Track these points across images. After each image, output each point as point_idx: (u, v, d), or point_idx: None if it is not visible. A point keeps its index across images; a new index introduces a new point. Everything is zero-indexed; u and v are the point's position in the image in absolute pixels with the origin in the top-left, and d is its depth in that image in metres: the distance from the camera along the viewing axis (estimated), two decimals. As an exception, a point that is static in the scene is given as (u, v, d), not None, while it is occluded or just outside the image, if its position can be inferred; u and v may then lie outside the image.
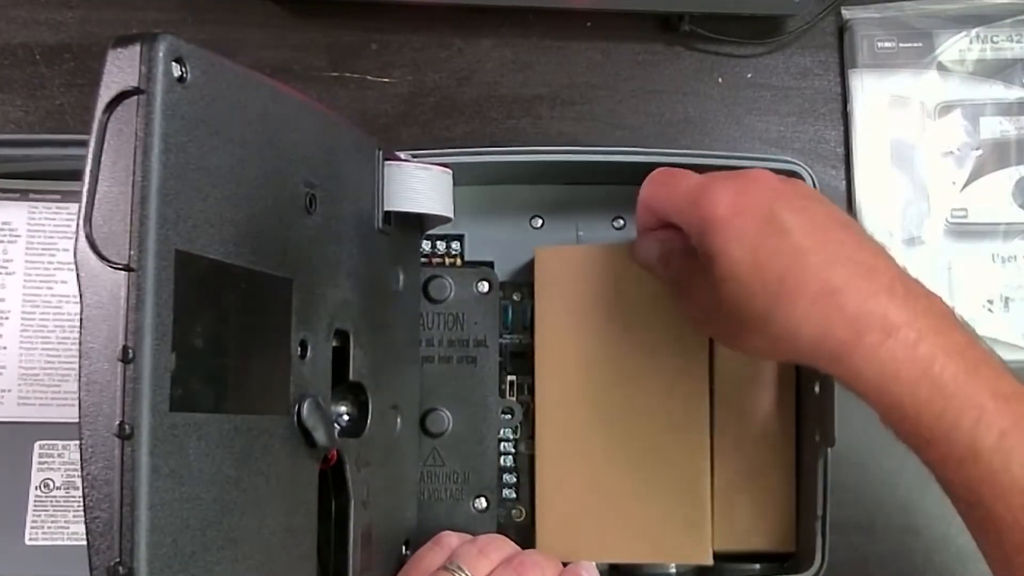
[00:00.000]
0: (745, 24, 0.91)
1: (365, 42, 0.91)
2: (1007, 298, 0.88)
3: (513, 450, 0.82)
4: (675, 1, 0.88)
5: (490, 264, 0.84)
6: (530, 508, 0.81)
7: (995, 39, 0.90)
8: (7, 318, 0.82)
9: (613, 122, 0.91)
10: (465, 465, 0.81)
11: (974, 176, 0.89)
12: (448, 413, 0.81)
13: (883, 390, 0.62)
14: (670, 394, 0.78)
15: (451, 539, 0.74)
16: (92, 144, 0.50)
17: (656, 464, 0.78)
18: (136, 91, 0.50)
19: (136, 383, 0.48)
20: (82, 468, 0.48)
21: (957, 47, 0.90)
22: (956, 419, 0.60)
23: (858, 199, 0.89)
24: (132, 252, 0.49)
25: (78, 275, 0.49)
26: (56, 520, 0.81)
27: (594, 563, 0.76)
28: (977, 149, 0.89)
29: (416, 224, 0.79)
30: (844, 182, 0.90)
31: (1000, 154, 0.89)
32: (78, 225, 0.49)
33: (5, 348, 0.81)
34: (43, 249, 0.82)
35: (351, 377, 0.70)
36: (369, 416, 0.71)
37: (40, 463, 0.81)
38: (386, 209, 0.74)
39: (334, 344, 0.68)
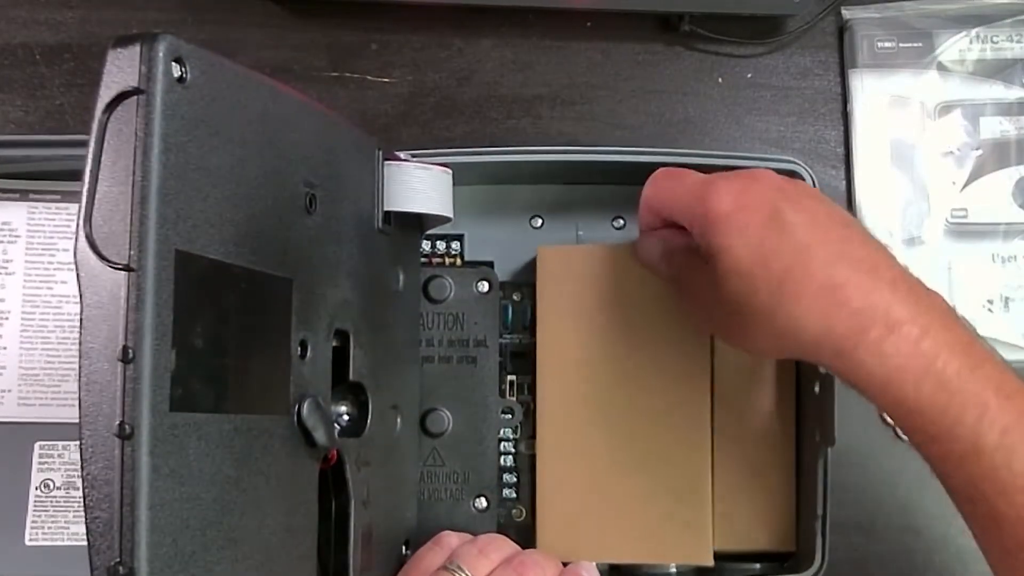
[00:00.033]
0: (745, 24, 0.91)
1: (365, 42, 0.91)
2: (1007, 298, 0.88)
3: (513, 450, 0.82)
4: (675, 1, 0.88)
5: (490, 264, 0.84)
6: (530, 508, 0.81)
7: (995, 39, 0.90)
8: (7, 318, 0.82)
9: (613, 122, 0.91)
10: (465, 465, 0.81)
11: (974, 176, 0.89)
12: (448, 413, 0.81)
13: (886, 385, 0.62)
14: (671, 394, 0.78)
15: (451, 539, 0.74)
16: (92, 144, 0.50)
17: (657, 464, 0.78)
18: (136, 91, 0.50)
19: (136, 383, 0.48)
20: (82, 468, 0.48)
21: (957, 47, 0.90)
22: (959, 415, 0.60)
23: (858, 199, 0.89)
24: (132, 252, 0.49)
25: (78, 275, 0.49)
26: (56, 520, 0.81)
27: (594, 563, 0.76)
28: (977, 149, 0.89)
29: (416, 224, 0.79)
30: (844, 182, 0.90)
31: (1000, 154, 0.89)
32: (78, 225, 0.49)
33: (5, 348, 0.82)
34: (43, 249, 0.82)
35: (351, 377, 0.70)
36: (369, 416, 0.71)
37: (40, 463, 0.81)
38: (386, 209, 0.74)
39: (334, 344, 0.68)
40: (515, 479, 0.82)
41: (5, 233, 0.82)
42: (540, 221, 0.85)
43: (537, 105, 0.91)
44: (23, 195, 0.82)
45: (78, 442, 0.48)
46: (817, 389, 0.77)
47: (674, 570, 0.79)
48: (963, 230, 0.89)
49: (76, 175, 0.50)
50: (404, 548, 0.77)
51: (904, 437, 0.84)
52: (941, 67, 0.90)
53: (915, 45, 0.90)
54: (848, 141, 0.91)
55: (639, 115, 0.91)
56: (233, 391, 0.56)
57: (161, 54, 0.50)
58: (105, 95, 0.50)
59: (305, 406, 0.62)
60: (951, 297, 0.87)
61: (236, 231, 0.56)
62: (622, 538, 0.78)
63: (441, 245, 0.84)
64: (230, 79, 0.57)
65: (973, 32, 0.90)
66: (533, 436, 0.80)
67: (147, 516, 0.48)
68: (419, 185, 0.75)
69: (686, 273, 0.72)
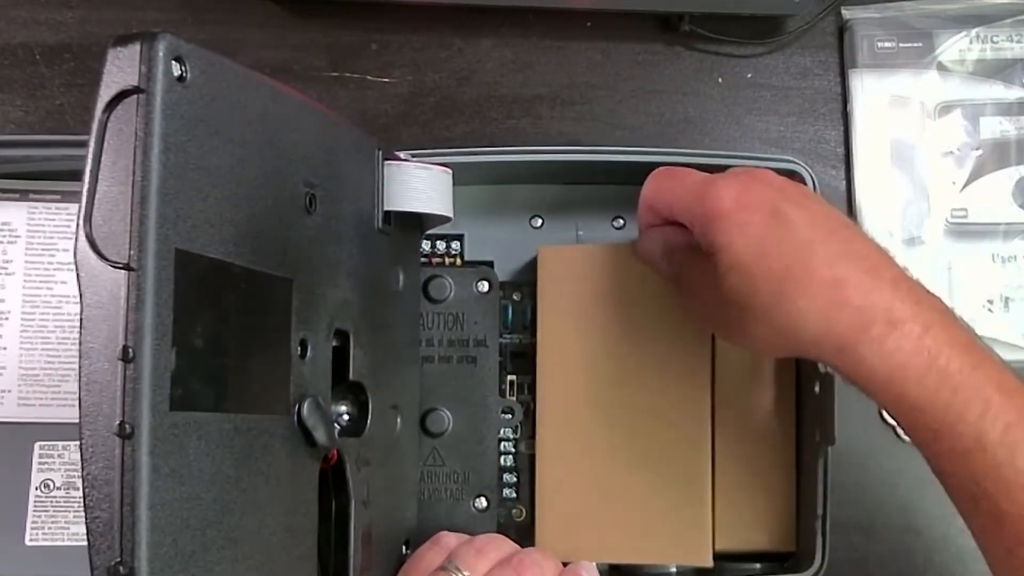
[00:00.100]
0: (745, 24, 0.91)
1: (365, 42, 0.91)
2: (1007, 298, 0.88)
3: (513, 450, 0.82)
4: (675, 1, 0.88)
5: (490, 264, 0.84)
6: (530, 508, 0.81)
7: (995, 39, 0.90)
8: (7, 318, 0.82)
9: (613, 122, 0.91)
10: (465, 465, 0.81)
11: (974, 176, 0.89)
12: (448, 413, 0.81)
13: (888, 382, 0.62)
14: (672, 394, 0.78)
15: (449, 539, 0.74)
16: (92, 143, 0.50)
17: (657, 464, 0.77)
18: (136, 90, 0.50)
19: (136, 382, 0.48)
20: (82, 468, 0.48)
21: (957, 47, 0.90)
22: (962, 411, 0.60)
23: (858, 199, 0.89)
24: (132, 251, 0.49)
25: (78, 275, 0.49)
26: (56, 521, 0.81)
27: (594, 563, 0.76)
28: (977, 149, 0.89)
29: (416, 224, 0.79)
30: (844, 182, 0.90)
31: (1000, 154, 0.89)
32: (78, 224, 0.49)
33: (5, 348, 0.82)
34: (43, 249, 0.82)
35: (351, 377, 0.70)
36: (369, 416, 0.71)
37: (40, 464, 0.81)
38: (386, 209, 0.74)
39: (334, 344, 0.68)
40: (515, 479, 0.82)
41: (5, 233, 0.82)
42: (540, 221, 0.85)
43: (537, 105, 0.91)
44: (23, 195, 0.82)
45: (78, 442, 0.48)
46: (817, 389, 0.77)
47: (674, 570, 0.79)
48: (963, 230, 0.89)
49: (76, 175, 0.50)
50: (404, 548, 0.77)
51: (905, 437, 0.84)
52: (941, 67, 0.90)
53: (915, 45, 0.90)
54: (848, 141, 0.90)
55: (639, 115, 0.91)
56: (233, 390, 0.56)
57: (161, 53, 0.50)
58: (105, 94, 0.50)
59: (305, 406, 0.62)
60: (951, 297, 0.87)
61: (236, 231, 0.56)
62: (622, 538, 0.78)
63: (441, 245, 0.84)
64: (230, 79, 0.57)
65: (973, 32, 0.90)
66: (533, 436, 0.80)
67: (147, 516, 0.48)
68: (419, 185, 0.75)
69: (686, 271, 0.72)
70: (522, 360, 0.83)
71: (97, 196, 0.49)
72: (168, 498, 0.50)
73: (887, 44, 0.90)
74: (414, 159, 0.76)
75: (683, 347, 0.78)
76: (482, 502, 0.81)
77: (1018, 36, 0.90)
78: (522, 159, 0.80)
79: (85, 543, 0.48)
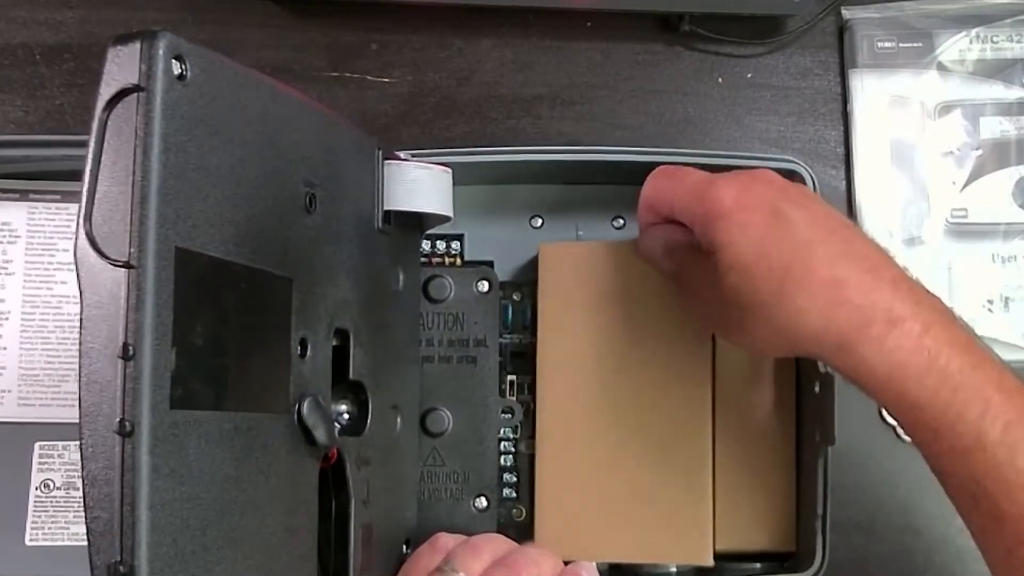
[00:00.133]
0: (745, 24, 0.91)
1: (365, 42, 0.91)
2: (1007, 298, 0.88)
3: (513, 450, 0.82)
4: (675, 1, 0.88)
5: (490, 264, 0.84)
6: (530, 508, 0.80)
7: (995, 39, 0.90)
8: (7, 318, 0.82)
9: (613, 122, 0.91)
10: (465, 465, 0.81)
11: (974, 176, 0.89)
12: (448, 413, 0.81)
13: (889, 381, 0.62)
14: (672, 393, 0.78)
15: (447, 540, 0.74)
16: (92, 142, 0.50)
17: (657, 463, 0.77)
18: (136, 88, 0.50)
19: (136, 381, 0.48)
20: (82, 467, 0.48)
21: (957, 47, 0.90)
22: (962, 411, 0.60)
23: (858, 199, 0.89)
24: (132, 249, 0.49)
25: (78, 273, 0.49)
26: (56, 521, 0.81)
27: (594, 563, 0.76)
28: (977, 149, 0.89)
29: (416, 224, 0.79)
30: (844, 182, 0.90)
31: (1000, 154, 0.89)
32: (78, 223, 0.49)
33: (5, 348, 0.82)
34: (43, 249, 0.82)
35: (351, 376, 0.70)
36: (369, 415, 0.71)
37: (40, 464, 0.81)
38: (386, 208, 0.74)
39: (334, 343, 0.68)
40: (515, 479, 0.82)
41: (5, 233, 0.82)
42: (540, 221, 0.85)
43: (537, 105, 0.91)
44: (23, 195, 0.82)
45: (78, 441, 0.48)
46: (817, 388, 0.76)
47: (674, 570, 0.79)
48: (963, 230, 0.89)
49: (76, 175, 0.50)
50: (404, 548, 0.77)
51: (905, 437, 0.85)
52: (941, 67, 0.90)
53: (915, 45, 0.90)
54: (848, 141, 0.90)
55: (639, 115, 0.91)
56: (233, 389, 0.56)
57: (161, 51, 0.50)
58: (105, 93, 0.50)
59: (305, 405, 0.62)
60: (951, 297, 0.87)
61: (236, 229, 0.56)
62: (622, 537, 0.77)
63: (441, 245, 0.84)
64: (230, 78, 0.57)
65: (973, 32, 0.90)
66: (533, 436, 0.80)
67: (147, 515, 0.48)
68: (419, 184, 0.75)
69: (687, 270, 0.72)
70: (522, 360, 0.83)
71: (97, 194, 0.49)
72: (168, 497, 0.50)
73: (887, 44, 0.90)
74: (414, 159, 0.76)
75: (684, 345, 0.78)
76: (482, 502, 0.81)
77: (1018, 36, 0.90)
78: (522, 159, 0.80)
79: (85, 543, 0.48)
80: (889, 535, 0.87)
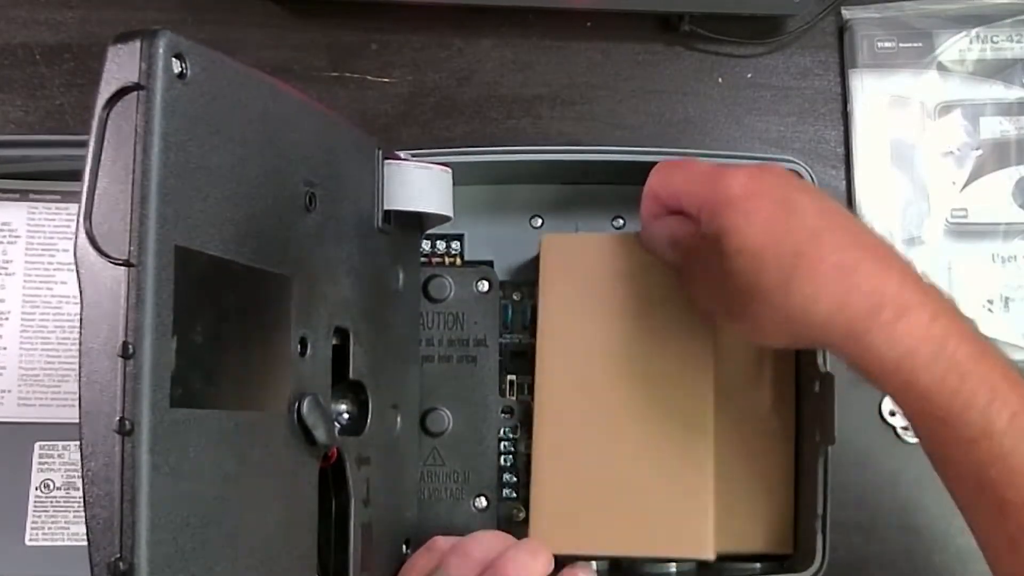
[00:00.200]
0: (745, 24, 0.91)
1: (365, 42, 0.91)
2: (1007, 298, 0.88)
3: (513, 450, 0.82)
4: (675, 1, 0.88)
5: (490, 263, 0.84)
6: (527, 502, 0.80)
7: (995, 39, 0.90)
8: (7, 318, 0.82)
9: (613, 122, 0.91)
10: (465, 464, 0.81)
11: (974, 176, 0.89)
12: (448, 412, 0.81)
13: (896, 369, 0.62)
14: (674, 386, 0.77)
15: (443, 544, 0.73)
16: (92, 140, 0.50)
17: (658, 456, 0.76)
18: (136, 87, 0.50)
19: (136, 379, 0.48)
20: (82, 465, 0.48)
21: (957, 47, 0.90)
22: (970, 398, 0.61)
23: (858, 199, 0.89)
24: (132, 248, 0.49)
25: (78, 271, 0.49)
26: (56, 521, 0.81)
27: (593, 565, 0.76)
28: (977, 149, 0.89)
29: (416, 223, 0.79)
30: (844, 182, 0.90)
31: (1000, 154, 0.89)
32: (78, 221, 0.49)
33: (5, 348, 0.82)
34: (43, 250, 0.82)
35: (351, 375, 0.70)
36: (369, 415, 0.71)
37: (40, 464, 0.81)
38: (386, 208, 0.74)
39: (334, 342, 0.68)
40: (515, 479, 0.82)
41: (5, 233, 0.82)
42: (540, 221, 0.85)
43: (537, 105, 0.91)
44: (23, 195, 0.82)
45: (78, 440, 0.48)
46: (817, 388, 0.76)
47: (674, 569, 0.79)
48: (963, 230, 0.89)
49: (76, 175, 0.50)
50: (404, 547, 0.77)
51: (905, 437, 0.85)
52: (941, 67, 0.90)
53: (915, 45, 0.90)
54: (848, 141, 0.91)
55: (639, 115, 0.91)
56: (233, 388, 0.56)
57: (161, 50, 0.50)
58: (105, 91, 0.50)
59: (305, 404, 0.62)
60: (951, 297, 0.88)
61: (236, 228, 0.56)
62: (621, 530, 0.76)
63: (441, 245, 0.84)
64: (230, 76, 0.57)
65: (973, 32, 0.90)
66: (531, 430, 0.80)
67: (147, 513, 0.48)
68: (419, 184, 0.75)
69: (692, 259, 0.72)
70: (522, 360, 0.82)
71: (97, 193, 0.49)
72: (168, 495, 0.49)
73: (887, 44, 0.90)
74: (414, 159, 0.76)
75: (686, 338, 0.77)
76: (482, 502, 0.81)
77: (1018, 36, 0.90)
78: (522, 159, 0.80)
79: (85, 543, 0.48)
80: (889, 535, 0.87)
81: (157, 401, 0.49)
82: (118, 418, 0.48)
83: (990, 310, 0.88)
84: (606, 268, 0.78)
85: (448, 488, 0.80)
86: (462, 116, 0.91)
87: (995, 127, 0.89)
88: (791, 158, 0.79)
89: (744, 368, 0.80)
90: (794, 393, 0.80)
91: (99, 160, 0.49)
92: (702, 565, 0.79)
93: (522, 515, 0.81)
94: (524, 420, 0.82)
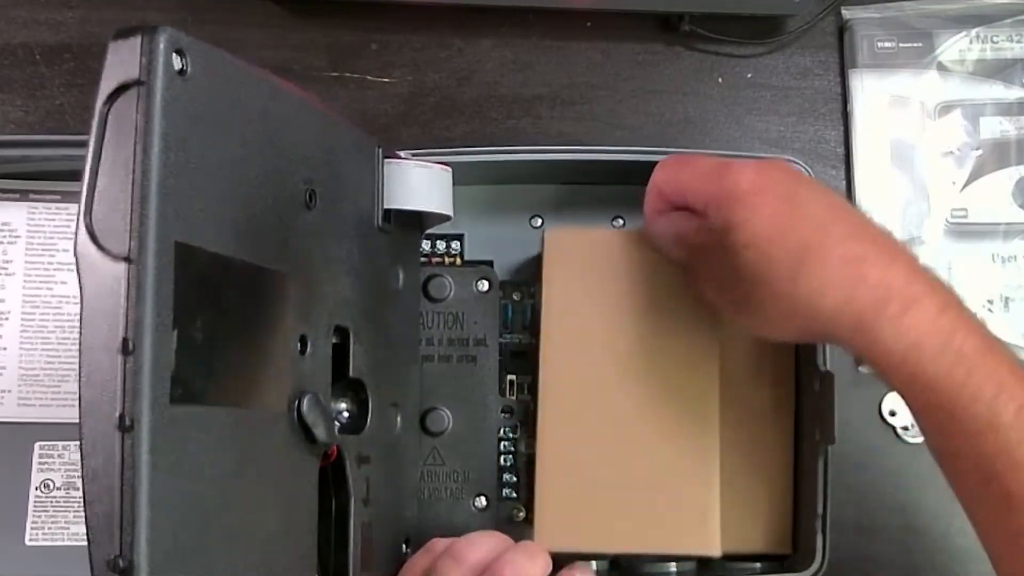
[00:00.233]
0: (745, 24, 0.91)
1: (365, 42, 0.91)
2: (1007, 298, 0.88)
3: (513, 450, 0.82)
4: (675, 1, 0.88)
5: (490, 263, 0.84)
6: (529, 504, 0.80)
7: (995, 39, 0.90)
8: (7, 318, 0.82)
9: (613, 122, 0.91)
10: (465, 464, 0.81)
11: (974, 176, 0.89)
12: (448, 412, 0.80)
13: (905, 359, 0.62)
14: (679, 383, 0.76)
15: (441, 546, 0.73)
16: (92, 136, 0.50)
17: (663, 453, 0.75)
18: (137, 83, 0.50)
19: (136, 375, 0.48)
20: (82, 462, 0.48)
21: (957, 47, 0.90)
22: (977, 392, 0.61)
23: (858, 199, 0.89)
24: (132, 243, 0.49)
25: (78, 267, 0.49)
26: (56, 521, 0.81)
27: (592, 565, 0.75)
28: (977, 149, 0.89)
29: (416, 223, 0.79)
30: (844, 182, 0.90)
31: (1000, 154, 0.89)
32: (78, 217, 0.49)
33: (5, 348, 0.82)
34: (43, 250, 0.82)
35: (351, 374, 0.70)
36: (369, 413, 0.71)
37: (40, 464, 0.81)
38: (386, 207, 0.74)
39: (334, 341, 0.68)
40: (515, 479, 0.82)
41: (5, 233, 0.82)
42: (540, 221, 0.85)
43: (537, 105, 0.91)
44: (23, 195, 0.82)
45: (78, 436, 0.48)
46: (817, 387, 0.76)
47: (674, 569, 0.79)
48: (963, 230, 0.89)
49: (76, 175, 0.50)
50: (404, 547, 0.76)
51: (906, 438, 0.85)
52: (941, 67, 0.90)
53: (915, 45, 0.90)
54: (848, 141, 0.91)
55: (639, 115, 0.91)
56: (233, 385, 0.56)
57: (162, 45, 0.51)
58: (105, 87, 0.50)
59: (305, 402, 0.62)
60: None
61: (236, 225, 0.56)
62: (626, 527, 0.76)
63: (441, 245, 0.84)
64: (231, 73, 0.57)
65: (973, 32, 0.90)
66: (533, 436, 0.79)
67: (147, 510, 0.48)
68: (419, 183, 0.75)
69: (699, 254, 0.72)
70: (522, 360, 0.83)
71: (97, 189, 0.49)
72: (168, 492, 0.49)
73: (887, 44, 0.90)
74: (414, 158, 0.76)
75: (691, 335, 0.76)
76: (481, 501, 0.81)
77: (1018, 36, 0.90)
78: (522, 159, 0.80)
79: (85, 543, 0.48)
80: (889, 535, 0.87)
81: (157, 398, 0.49)
82: (118, 415, 0.48)
83: (990, 310, 0.88)
84: (609, 264, 0.78)
85: (448, 488, 0.80)
86: (462, 116, 0.91)
87: (995, 127, 0.89)
88: (791, 158, 0.79)
89: (743, 369, 0.79)
90: (793, 394, 0.80)
91: (99, 156, 0.49)
92: (702, 565, 0.79)
93: (522, 515, 0.81)
94: (524, 420, 0.82)
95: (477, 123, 0.90)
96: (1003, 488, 0.60)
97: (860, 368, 0.84)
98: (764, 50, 0.92)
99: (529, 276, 0.82)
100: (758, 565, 0.79)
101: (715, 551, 0.75)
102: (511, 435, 0.82)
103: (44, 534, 0.80)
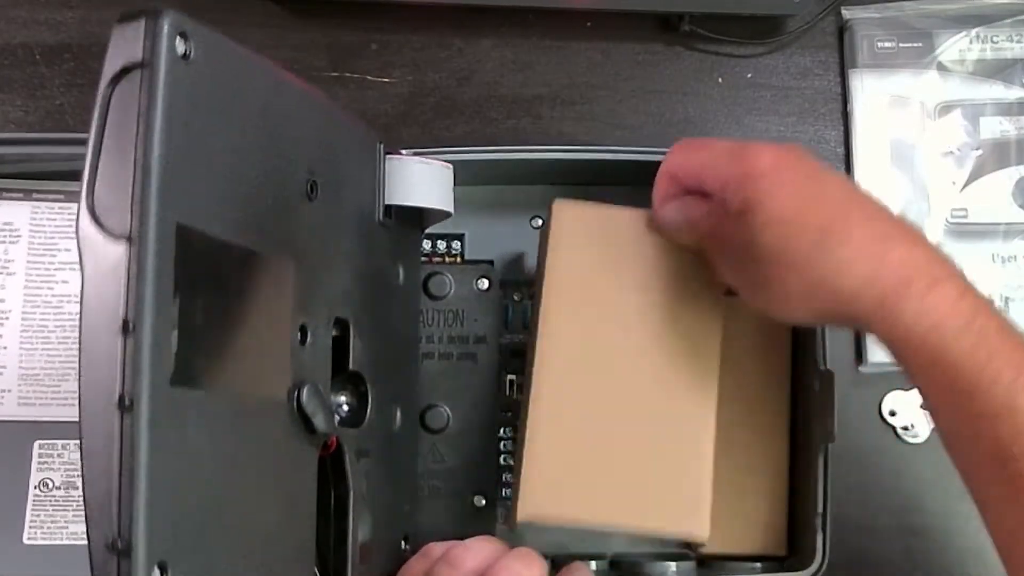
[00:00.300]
0: (745, 24, 0.91)
1: (365, 42, 0.91)
2: (1007, 298, 0.88)
3: (512, 448, 0.82)
4: (675, 1, 0.89)
5: (490, 263, 0.84)
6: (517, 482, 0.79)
7: (995, 39, 0.90)
8: (7, 318, 0.82)
9: (613, 122, 0.91)
10: (464, 462, 0.81)
11: (974, 176, 0.89)
12: (448, 409, 0.81)
13: (926, 339, 0.62)
14: (678, 363, 0.75)
15: (438, 551, 0.72)
16: (95, 117, 0.50)
17: (658, 430, 0.74)
18: (140, 65, 0.50)
19: (136, 355, 0.48)
20: (81, 441, 0.48)
21: (957, 47, 0.90)
22: (998, 372, 0.60)
23: (858, 199, 0.89)
24: (133, 223, 0.49)
25: (79, 247, 0.49)
26: (55, 520, 0.80)
27: (592, 565, 0.75)
28: (977, 149, 0.89)
29: (416, 220, 0.79)
30: (844, 182, 0.90)
31: (1000, 154, 0.89)
32: (80, 197, 0.49)
33: (5, 348, 0.82)
34: (44, 249, 0.82)
35: (351, 366, 0.70)
36: (368, 407, 0.71)
37: (40, 463, 0.81)
38: (387, 202, 0.74)
39: (334, 334, 0.68)
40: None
41: (7, 233, 0.82)
42: (540, 221, 0.84)
43: (537, 105, 0.91)
44: (26, 195, 0.83)
45: (77, 415, 0.48)
46: (817, 386, 0.76)
47: (674, 569, 0.79)
48: (963, 230, 0.89)
49: (78, 175, 0.50)
50: (403, 544, 0.76)
51: (905, 437, 0.85)
52: (941, 67, 0.90)
53: (915, 45, 0.90)
54: (848, 141, 0.91)
55: (639, 115, 0.91)
56: (233, 371, 0.56)
57: (166, 28, 0.51)
58: (109, 69, 0.50)
59: (305, 391, 0.62)
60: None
61: (236, 211, 0.56)
62: (614, 500, 0.74)
63: (442, 244, 0.84)
64: (234, 60, 0.57)
65: (973, 32, 0.90)
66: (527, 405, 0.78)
67: (146, 489, 0.48)
68: (420, 179, 0.75)
69: (715, 235, 0.71)
70: (522, 359, 0.82)
71: (100, 169, 0.49)
72: (167, 474, 0.49)
73: (887, 44, 0.90)
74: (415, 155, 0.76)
75: (694, 316, 0.76)
76: (480, 500, 0.81)
77: (1018, 36, 0.90)
78: (522, 159, 0.80)
79: (84, 542, 0.48)
80: (889, 535, 0.87)
81: (157, 378, 0.49)
82: (118, 395, 0.48)
83: (990, 310, 0.88)
84: (618, 240, 0.77)
85: (447, 485, 0.80)
86: (462, 116, 0.91)
87: (995, 127, 0.89)
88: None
89: (741, 372, 0.79)
90: (788, 396, 0.80)
91: (102, 137, 0.50)
92: (701, 565, 0.79)
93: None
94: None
95: (477, 123, 0.91)
96: (1018, 470, 0.60)
97: (860, 368, 0.84)
98: (764, 50, 0.92)
99: (530, 276, 0.82)
100: (759, 565, 0.79)
101: (703, 533, 0.74)
102: (510, 433, 0.82)
103: (43, 533, 0.80)
